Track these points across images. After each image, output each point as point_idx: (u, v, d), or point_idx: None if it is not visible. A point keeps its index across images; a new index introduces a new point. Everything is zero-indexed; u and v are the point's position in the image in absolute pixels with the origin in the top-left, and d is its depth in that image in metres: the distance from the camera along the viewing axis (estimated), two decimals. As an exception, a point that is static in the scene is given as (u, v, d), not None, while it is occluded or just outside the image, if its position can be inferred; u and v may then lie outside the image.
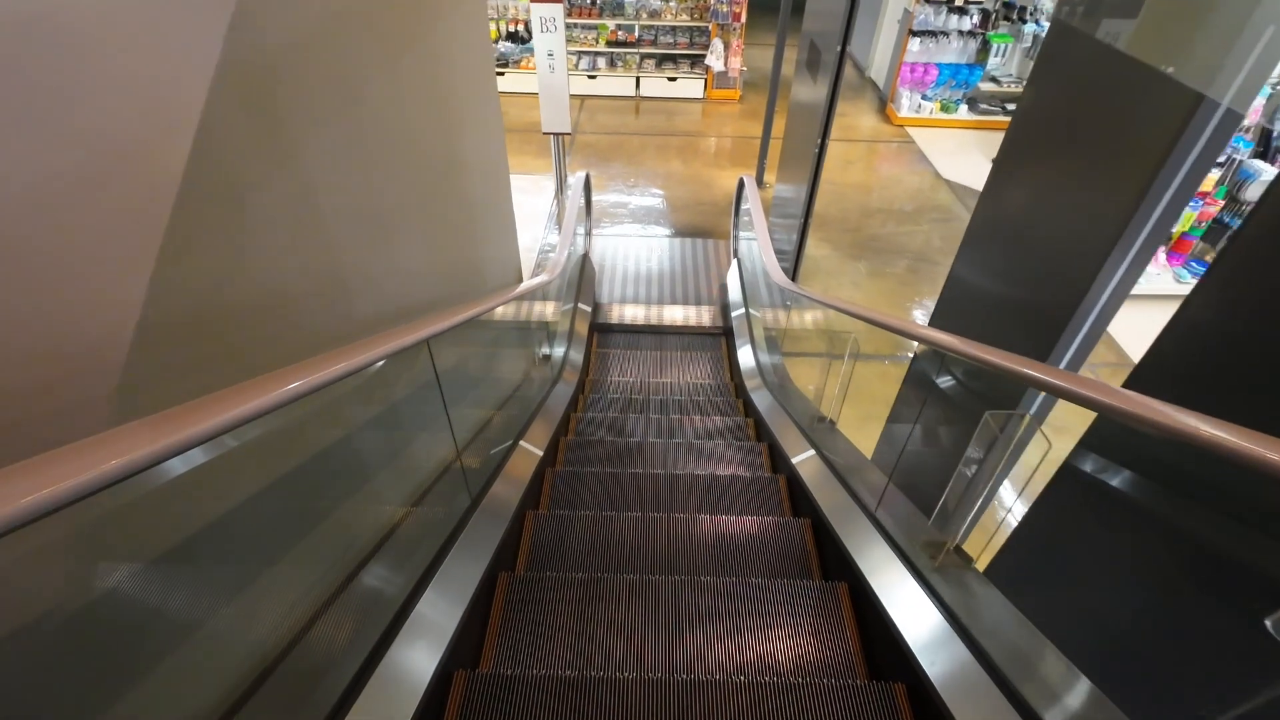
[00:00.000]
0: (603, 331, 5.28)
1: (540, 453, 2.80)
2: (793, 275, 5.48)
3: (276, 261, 1.33)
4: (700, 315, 5.47)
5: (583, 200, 5.53)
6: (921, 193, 7.44)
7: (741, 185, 5.40)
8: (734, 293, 5.17)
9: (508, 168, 3.40)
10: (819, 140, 4.66)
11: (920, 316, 5.58)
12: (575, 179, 4.83)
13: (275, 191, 1.30)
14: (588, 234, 5.72)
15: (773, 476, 3.03)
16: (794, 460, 2.88)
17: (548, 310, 4.64)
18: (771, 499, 2.91)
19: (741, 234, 5.82)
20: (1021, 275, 2.45)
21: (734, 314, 4.95)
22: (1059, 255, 2.22)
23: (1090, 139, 2.08)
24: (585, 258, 5.41)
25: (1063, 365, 2.22)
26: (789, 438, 3.17)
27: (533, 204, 6.96)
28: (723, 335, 5.30)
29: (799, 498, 2.77)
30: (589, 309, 4.98)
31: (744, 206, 5.84)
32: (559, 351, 4.22)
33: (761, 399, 3.76)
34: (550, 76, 4.69)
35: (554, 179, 6.13)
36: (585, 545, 2.41)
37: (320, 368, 1.09)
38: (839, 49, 4.22)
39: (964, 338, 1.87)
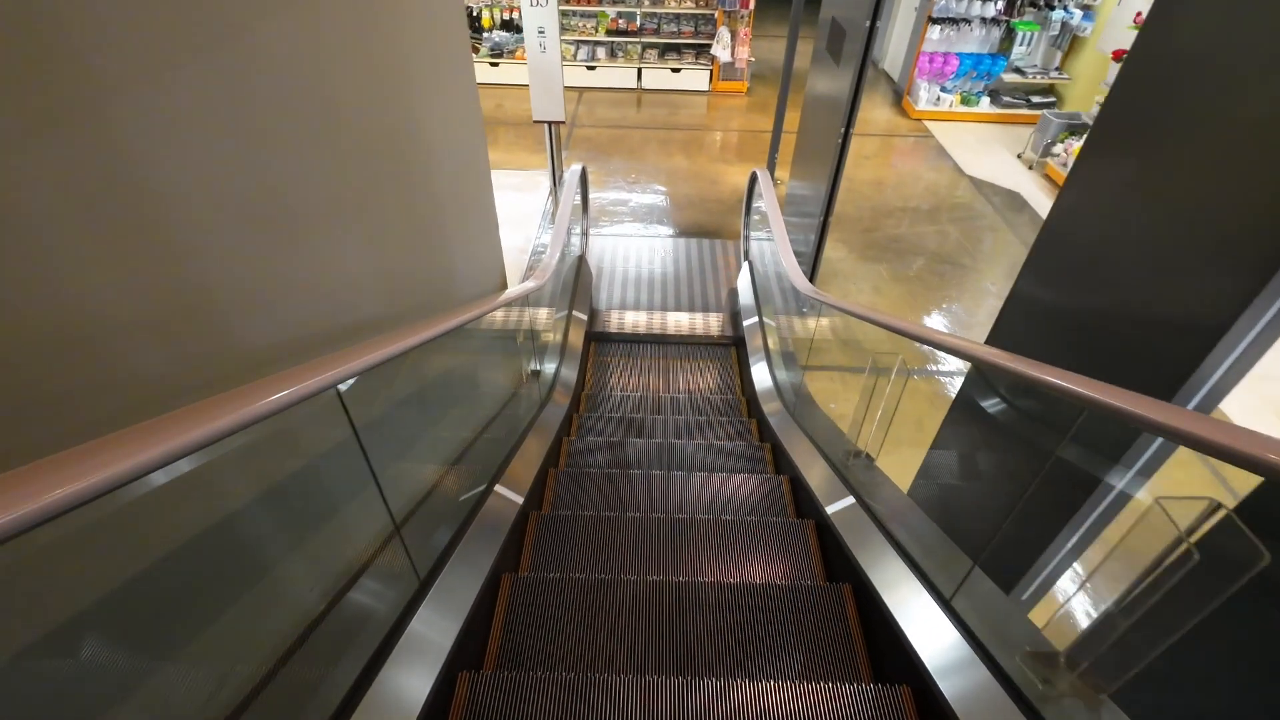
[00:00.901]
0: (600, 341, 4.79)
1: (520, 499, 2.31)
2: (810, 279, 4.98)
3: (76, 276, 0.85)
4: (708, 323, 4.97)
5: (578, 196, 5.04)
6: (943, 190, 6.94)
7: (754, 180, 4.91)
8: (745, 298, 4.68)
9: (487, 156, 2.92)
10: (842, 131, 4.17)
11: (946, 323, 5.09)
12: (569, 173, 4.34)
13: (55, 168, 0.83)
14: (584, 234, 5.23)
15: (800, 522, 2.54)
16: (828, 508, 2.38)
17: (538, 319, 4.17)
18: (799, 552, 2.42)
19: (753, 234, 5.33)
20: (1125, 296, 1.95)
21: (746, 322, 4.46)
22: (1185, 269, 1.72)
23: (1248, 105, 1.57)
24: (581, 260, 4.93)
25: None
26: (816, 474, 2.67)
27: (526, 202, 6.47)
28: (732, 345, 4.81)
29: (834, 554, 2.28)
30: (585, 317, 4.49)
31: (756, 204, 5.35)
32: (549, 368, 3.73)
33: (781, 424, 3.26)
34: (541, 58, 4.20)
35: (548, 174, 5.64)
36: (575, 623, 1.92)
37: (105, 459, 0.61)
38: (867, 25, 3.73)
39: (1053, 367, 1.39)
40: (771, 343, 4.04)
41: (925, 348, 4.64)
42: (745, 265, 4.95)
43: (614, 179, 6.97)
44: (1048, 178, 7.10)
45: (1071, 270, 2.20)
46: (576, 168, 4.49)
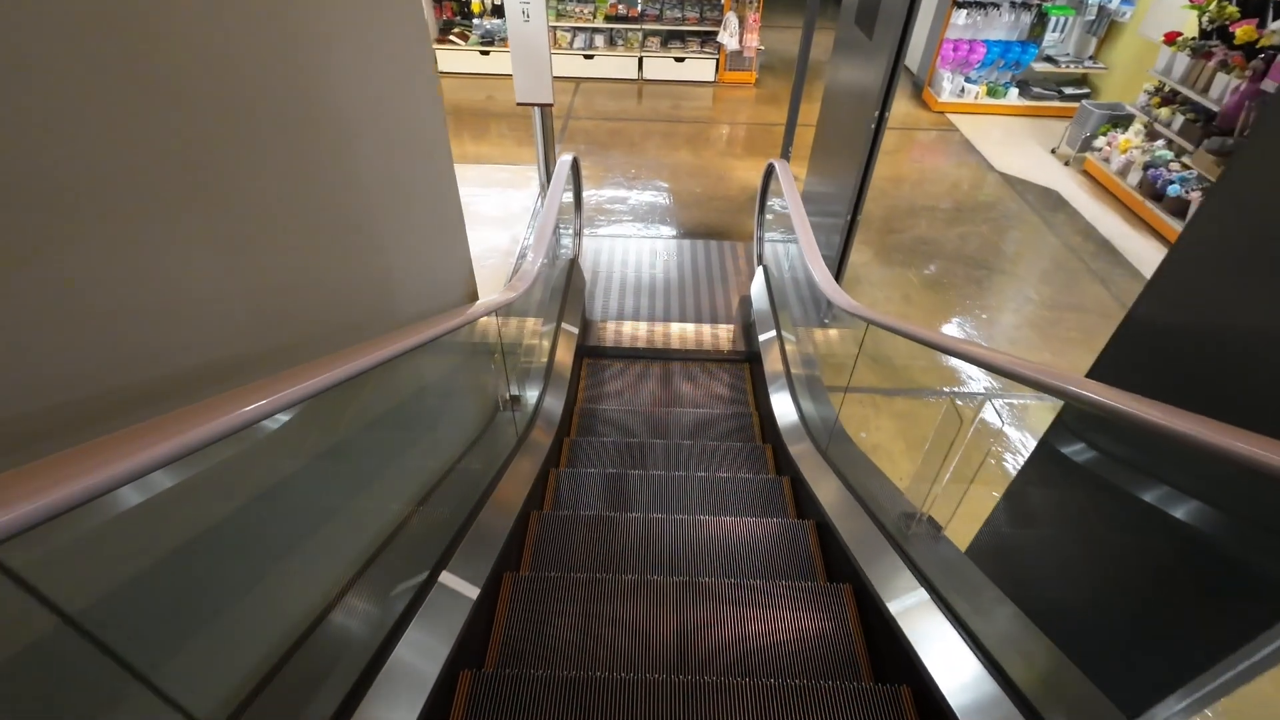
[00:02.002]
0: (594, 357, 4.18)
1: (474, 594, 1.70)
2: (833, 287, 4.37)
3: None
4: (716, 336, 4.37)
5: (568, 192, 4.43)
6: (971, 187, 6.33)
7: (770, 173, 4.30)
8: (760, 308, 4.07)
9: (446, 140, 2.32)
10: (876, 115, 3.56)
11: (982, 335, 4.48)
12: (558, 164, 3.74)
13: None
14: (577, 234, 4.63)
15: (833, 587, 1.94)
16: (892, 607, 1.77)
17: (521, 333, 3.57)
18: (835, 633, 1.81)
19: (767, 235, 4.72)
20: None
21: (762, 337, 3.85)
22: None
23: None
24: (573, 264, 4.32)
25: None
26: (869, 551, 2.06)
27: (514, 199, 5.87)
28: (745, 361, 4.20)
29: (882, 638, 1.67)
30: (575, 330, 3.89)
31: (771, 201, 4.74)
32: (532, 395, 3.12)
33: (813, 470, 2.65)
34: (525, 29, 3.59)
35: (539, 167, 5.03)
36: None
37: None
38: (911, -15, 3.12)
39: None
40: (794, 362, 3.43)
41: (947, 363, 4.04)
42: (759, 270, 4.34)
43: (612, 175, 6.37)
44: (1087, 174, 6.49)
45: (1241, 284, 1.59)
46: (566, 158, 3.88)
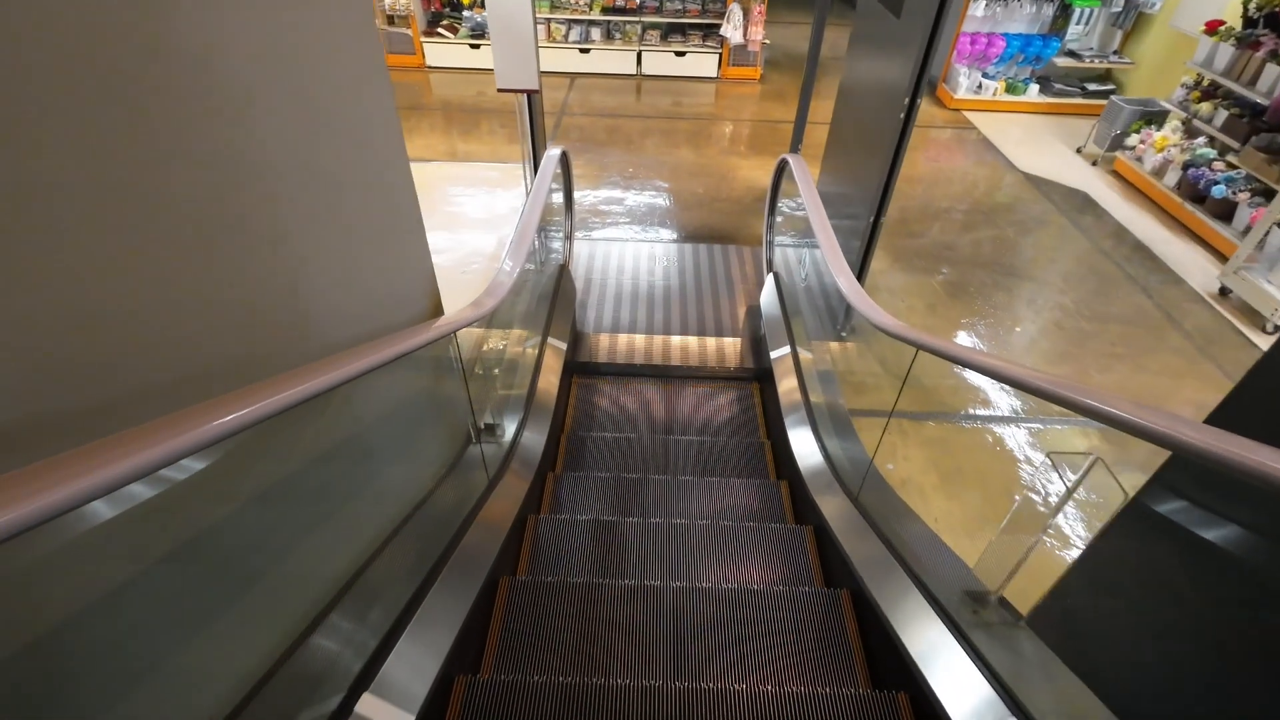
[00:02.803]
0: (585, 375, 3.74)
1: (418, 706, 1.26)
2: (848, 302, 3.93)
3: None
4: (721, 351, 3.92)
5: (558, 190, 4.00)
6: (994, 189, 5.90)
7: (782, 170, 3.87)
8: (771, 320, 3.63)
9: (395, 121, 1.88)
10: (906, 102, 3.13)
11: (1014, 347, 4.03)
12: (544, 159, 3.31)
13: None
14: (567, 237, 4.20)
15: (887, 695, 1.49)
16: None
17: (490, 354, 3.15)
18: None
19: (779, 239, 4.28)
20: None
21: (774, 354, 3.41)
22: None
23: None
24: (563, 270, 3.88)
25: None
26: (926, 641, 1.61)
27: (501, 200, 5.44)
28: (754, 380, 3.76)
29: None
30: (564, 345, 3.44)
31: (782, 203, 4.30)
32: (510, 423, 2.68)
33: (843, 523, 2.20)
34: (505, 3, 3.15)
35: (524, 164, 4.60)
36: None
37: None
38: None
39: None
40: (812, 385, 2.98)
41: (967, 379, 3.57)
42: (769, 278, 3.90)
43: (608, 174, 5.93)
44: (1117, 175, 6.06)
45: None
46: (554, 151, 3.45)
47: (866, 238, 3.61)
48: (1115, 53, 7.16)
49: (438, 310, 2.32)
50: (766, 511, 2.61)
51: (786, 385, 3.06)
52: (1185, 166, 5.18)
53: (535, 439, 2.73)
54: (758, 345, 3.89)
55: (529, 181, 4.51)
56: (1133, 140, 5.82)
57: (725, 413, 3.36)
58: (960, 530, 2.92)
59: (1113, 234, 5.27)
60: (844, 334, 4.10)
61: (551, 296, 3.59)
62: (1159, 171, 5.49)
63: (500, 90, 3.56)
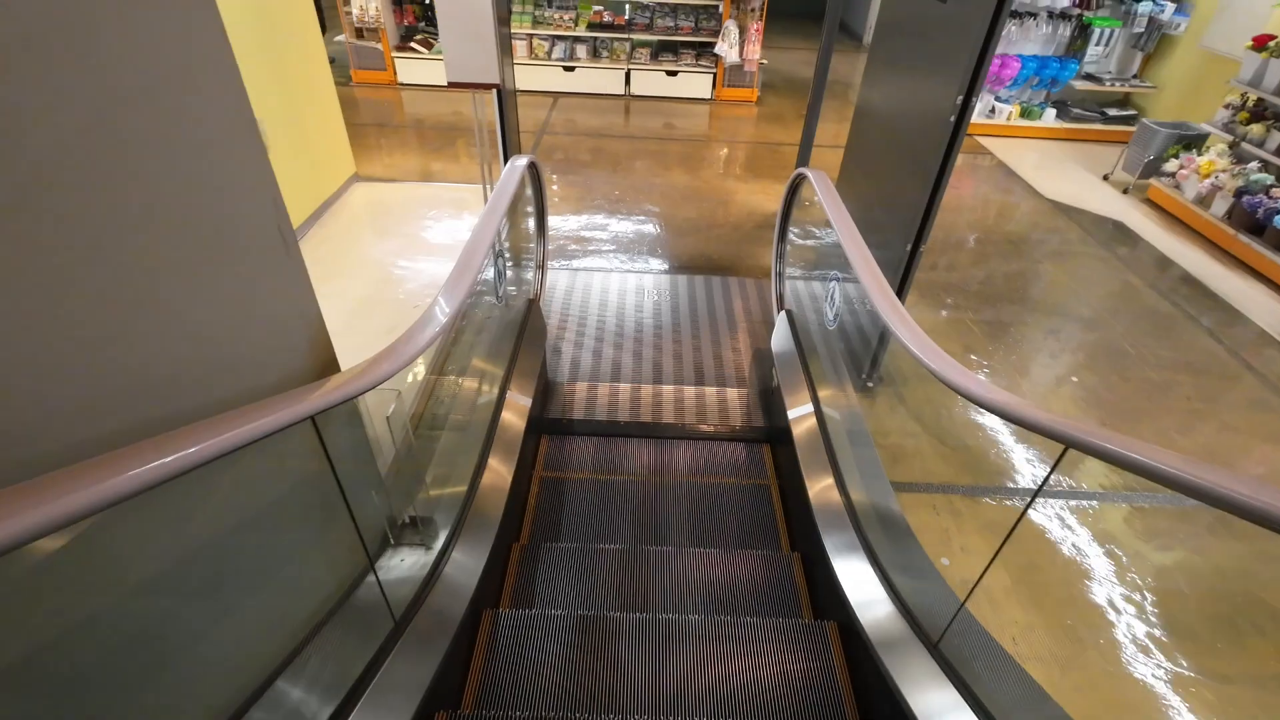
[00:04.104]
0: (556, 435, 3.02)
1: None
2: (880, 342, 3.27)
3: None
4: (724, 405, 3.22)
5: (526, 208, 3.33)
6: (1023, 218, 5.33)
7: (796, 188, 3.22)
8: (785, 368, 2.94)
9: (246, 107, 1.19)
10: (959, 99, 2.50)
11: (1078, 404, 3.36)
12: (507, 170, 2.65)
13: None
14: (539, 267, 3.51)
15: None
16: None
17: (432, 412, 2.47)
18: None
19: (790, 270, 3.62)
20: None
21: (793, 412, 2.71)
22: None
23: None
24: (532, 306, 3.18)
25: None
26: None
27: (468, 224, 4.76)
28: (766, 442, 3.05)
29: None
30: (528, 400, 2.72)
31: (790, 232, 3.65)
32: (447, 516, 1.95)
33: (923, 693, 1.47)
34: (457, -25, 2.52)
35: (482, 178, 3.94)
36: None
37: None
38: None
39: None
40: (849, 465, 2.27)
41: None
42: (781, 317, 3.22)
43: (592, 197, 5.30)
44: (1151, 203, 5.51)
45: None
46: (520, 161, 2.79)
47: (902, 270, 2.95)
48: (1135, 76, 6.71)
49: (327, 368, 1.60)
50: (810, 679, 1.83)
51: (814, 467, 2.34)
52: (1239, 194, 4.63)
53: (480, 534, 1.99)
54: (769, 398, 3.19)
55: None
56: (1171, 166, 5.28)
57: (733, 500, 2.63)
58: (1050, 661, 2.19)
59: (1158, 267, 4.68)
60: (870, 383, 3.42)
61: (516, 338, 2.89)
62: (1204, 199, 4.94)
63: (451, 85, 2.90)
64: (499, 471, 2.23)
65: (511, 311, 3.14)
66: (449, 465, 2.26)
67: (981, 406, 1.40)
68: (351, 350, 1.72)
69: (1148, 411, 3.33)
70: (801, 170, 2.94)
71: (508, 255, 4.01)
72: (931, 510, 2.72)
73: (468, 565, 1.87)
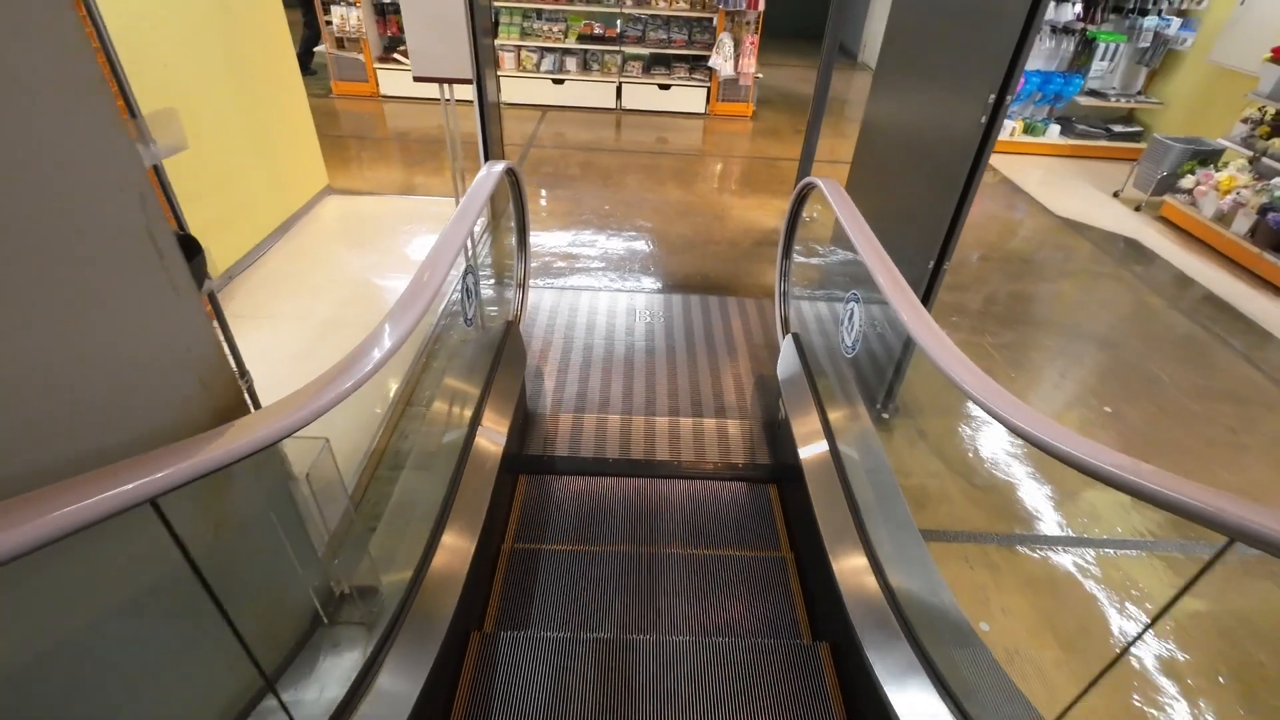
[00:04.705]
0: (536, 474, 2.67)
1: None
2: (899, 362, 2.95)
3: None
4: (724, 439, 2.89)
5: (506, 222, 3.01)
6: (1034, 236, 5.07)
7: (803, 198, 2.92)
8: (794, 397, 2.61)
9: (87, 53, 0.85)
10: (993, 98, 2.23)
11: (1118, 439, 3.05)
12: (480, 177, 2.33)
13: None
14: (520, 285, 3.19)
15: None
16: None
17: (394, 451, 2.15)
18: None
19: (797, 289, 3.31)
20: None
21: (805, 451, 2.37)
22: None
23: None
24: (511, 328, 2.84)
25: None
26: None
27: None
28: (771, 481, 2.72)
29: None
30: (503, 433, 2.37)
31: (798, 251, 3.35)
32: (399, 578, 1.60)
33: None
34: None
35: (454, 184, 3.62)
36: None
37: None
38: None
39: None
40: (876, 523, 1.93)
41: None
42: (787, 341, 2.90)
43: (580, 211, 5.00)
44: (1165, 220, 5.28)
45: None
46: (496, 167, 2.47)
47: (924, 289, 2.64)
48: (1140, 92, 6.54)
49: (228, 414, 1.25)
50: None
51: (834, 523, 2.00)
52: (1263, 210, 4.39)
53: (440, 602, 1.63)
54: (775, 432, 2.86)
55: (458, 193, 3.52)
56: (1187, 182, 5.06)
57: (740, 560, 2.28)
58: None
59: (1178, 287, 4.42)
60: (885, 414, 3.10)
61: (490, 366, 2.54)
62: (1225, 217, 4.70)
63: (418, 79, 2.60)
64: (456, 544, 1.87)
65: (486, 335, 2.81)
66: (403, 524, 1.90)
67: (1100, 479, 1.07)
68: (307, 380, 1.38)
69: (1189, 446, 3.02)
70: (810, 179, 2.64)
71: (480, 272, 3.68)
72: (964, 563, 2.38)
73: (410, 664, 1.50)
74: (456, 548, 1.83)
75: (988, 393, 1.37)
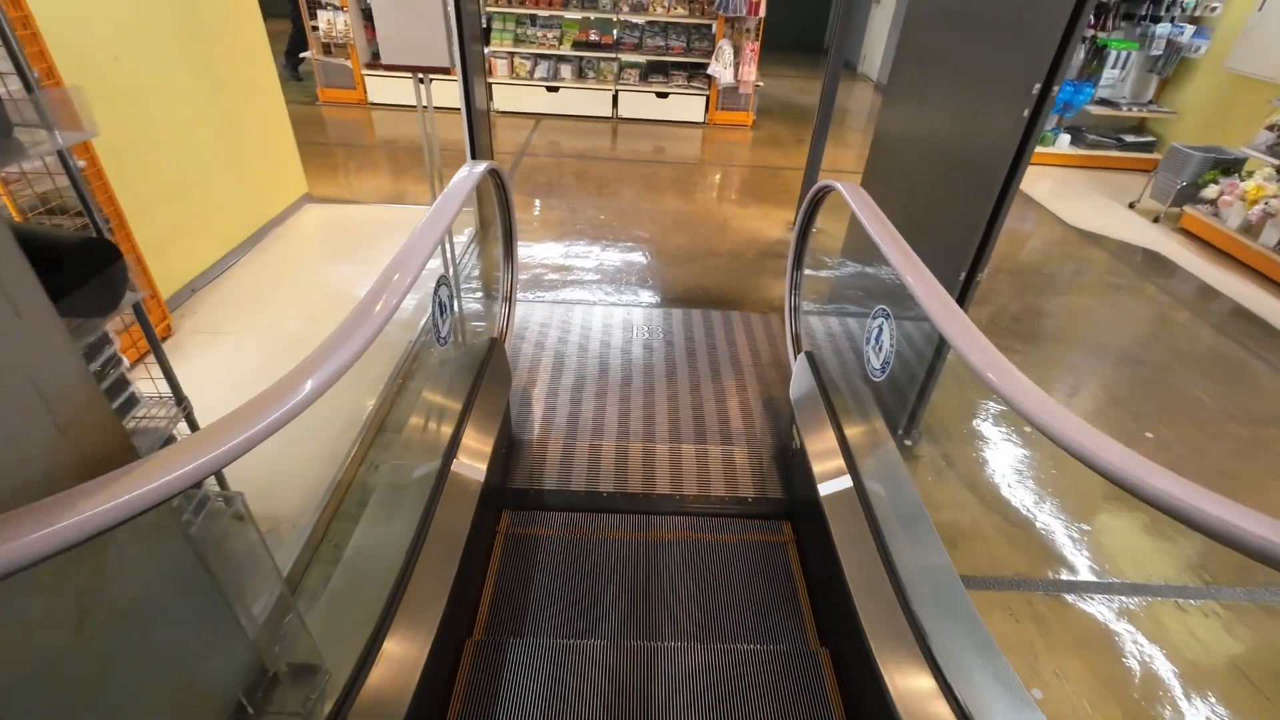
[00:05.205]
0: (521, 511, 2.37)
1: None
2: (924, 382, 2.67)
3: None
4: (731, 468, 2.60)
5: (489, 226, 2.74)
6: (1051, 248, 4.83)
7: (817, 202, 2.66)
8: (809, 424, 2.33)
9: None
10: (1038, 87, 1.97)
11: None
12: (458, 179, 2.06)
13: None
14: (506, 299, 2.91)
15: None
16: None
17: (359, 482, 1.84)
18: None
19: (807, 303, 3.04)
20: None
21: (825, 487, 2.09)
22: None
23: None
24: (495, 346, 2.55)
25: None
26: None
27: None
28: (786, 518, 2.43)
29: None
30: (482, 468, 2.07)
31: (815, 266, 3.08)
32: (351, 650, 1.29)
33: None
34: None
35: (430, 186, 3.33)
36: None
37: None
38: None
39: None
40: (916, 584, 1.64)
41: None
42: (800, 360, 2.62)
43: (575, 221, 4.74)
44: (1186, 232, 5.05)
45: None
46: (477, 168, 2.21)
47: (956, 301, 2.37)
48: (1152, 101, 6.35)
49: (98, 465, 0.96)
50: None
51: (864, 577, 1.71)
52: (1295, 221, 4.16)
53: (404, 665, 1.33)
54: (788, 462, 2.57)
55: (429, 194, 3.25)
56: (1210, 192, 4.84)
57: (743, 590, 1.98)
58: None
59: (1206, 302, 4.17)
60: (908, 441, 2.82)
61: (469, 390, 2.25)
62: (1251, 228, 4.47)
63: (387, 66, 2.34)
64: (416, 619, 1.57)
65: (468, 354, 2.52)
66: (359, 579, 1.60)
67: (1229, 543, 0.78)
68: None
69: (1245, 476, 2.74)
70: (827, 182, 2.38)
71: (467, 284, 3.39)
72: (1008, 615, 2.09)
73: (400, 677, 1.20)
74: (416, 624, 1.52)
75: (1070, 429, 1.09)
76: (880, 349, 1.98)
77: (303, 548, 2.12)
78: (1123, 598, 2.16)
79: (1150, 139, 6.37)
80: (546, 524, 2.31)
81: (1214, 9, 5.73)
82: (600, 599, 2.02)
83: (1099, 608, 2.13)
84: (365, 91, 6.85)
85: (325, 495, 2.35)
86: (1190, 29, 5.83)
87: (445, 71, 2.43)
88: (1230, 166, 4.93)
